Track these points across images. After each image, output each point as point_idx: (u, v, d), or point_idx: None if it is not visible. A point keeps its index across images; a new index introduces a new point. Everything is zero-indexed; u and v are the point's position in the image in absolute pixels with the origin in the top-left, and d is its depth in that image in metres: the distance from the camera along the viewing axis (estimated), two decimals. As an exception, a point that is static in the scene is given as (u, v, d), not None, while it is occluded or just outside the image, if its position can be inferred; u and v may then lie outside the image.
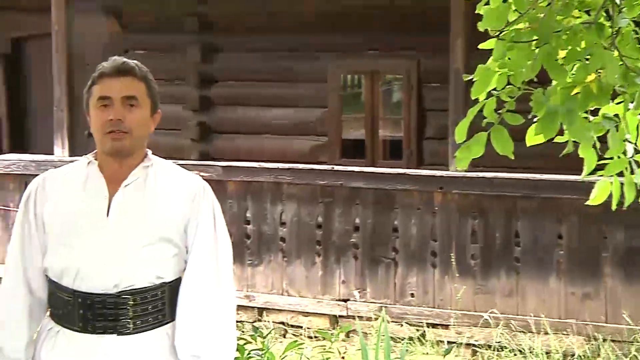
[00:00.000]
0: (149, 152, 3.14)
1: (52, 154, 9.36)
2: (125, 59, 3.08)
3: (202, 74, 10.99)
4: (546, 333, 7.73)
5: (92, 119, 3.06)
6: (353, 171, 8.49)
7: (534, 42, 2.90)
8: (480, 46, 3.22)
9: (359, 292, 8.35)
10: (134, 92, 3.04)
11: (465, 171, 8.01)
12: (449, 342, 7.92)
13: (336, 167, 8.73)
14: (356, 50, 10.37)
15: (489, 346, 7.89)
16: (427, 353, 7.88)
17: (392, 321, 8.09)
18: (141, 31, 11.18)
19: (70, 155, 9.05)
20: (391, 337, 7.79)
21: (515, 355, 7.76)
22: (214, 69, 11.01)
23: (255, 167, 8.69)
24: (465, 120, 3.12)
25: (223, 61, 10.98)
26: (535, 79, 3.04)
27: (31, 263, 3.10)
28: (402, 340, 7.88)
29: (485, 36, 3.24)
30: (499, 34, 2.94)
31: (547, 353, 7.69)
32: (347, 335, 8.09)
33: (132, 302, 3.00)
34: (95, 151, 3.13)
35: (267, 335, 4.40)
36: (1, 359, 3.09)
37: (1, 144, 11.95)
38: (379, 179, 8.32)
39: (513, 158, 3.17)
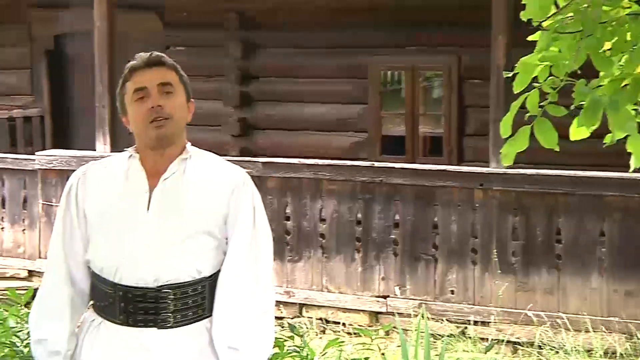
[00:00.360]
0: (188, 144, 3.14)
1: (94, 150, 9.43)
2: (156, 52, 3.10)
3: (243, 70, 11.02)
4: (587, 331, 7.66)
5: (132, 114, 3.06)
6: (393, 168, 8.47)
7: (579, 33, 2.85)
8: (529, 39, 3.17)
9: (399, 288, 8.32)
10: (168, 79, 3.05)
11: (506, 168, 7.96)
12: (489, 340, 7.87)
13: (376, 164, 8.71)
14: (397, 47, 10.33)
15: (530, 344, 7.83)
16: (468, 350, 7.83)
17: (432, 318, 8.05)
18: (182, 28, 11.23)
19: (111, 151, 9.11)
20: (431, 334, 7.75)
21: (556, 353, 7.70)
22: (254, 65, 11.03)
23: (295, 164, 8.68)
24: (509, 114, 3.09)
25: (263, 57, 10.99)
26: (578, 71, 3.01)
27: (73, 256, 3.11)
28: (442, 337, 7.84)
29: (527, 32, 3.21)
30: (542, 24, 2.90)
31: (588, 351, 7.61)
32: (387, 332, 8.06)
33: (172, 296, 3.00)
34: (135, 146, 3.13)
35: (305, 333, 4.39)
36: (44, 350, 3.11)
37: (44, 139, 12.06)
38: (419, 175, 8.28)
39: (558, 150, 3.13)
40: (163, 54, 3.09)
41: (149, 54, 3.08)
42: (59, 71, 12.19)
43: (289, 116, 10.90)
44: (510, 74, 3.15)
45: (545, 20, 2.93)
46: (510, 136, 3.12)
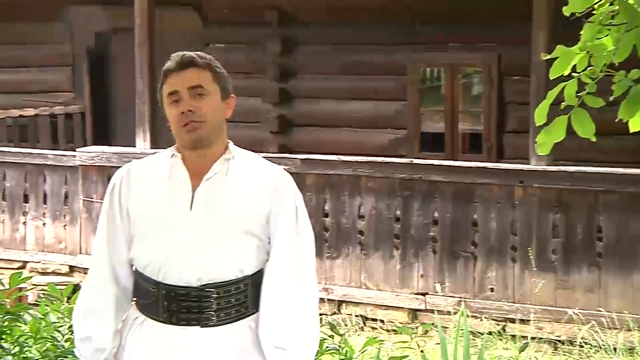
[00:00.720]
0: (231, 143, 3.14)
1: (134, 147, 9.49)
2: (187, 52, 3.09)
3: (282, 66, 11.03)
4: (629, 329, 7.59)
5: (168, 115, 3.09)
6: (432, 164, 8.44)
7: (623, 25, 2.82)
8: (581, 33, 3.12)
9: (438, 285, 8.29)
10: (198, 81, 3.04)
11: (546, 165, 7.91)
12: (528, 338, 7.82)
13: (415, 161, 8.69)
14: (436, 43, 10.29)
15: (571, 342, 7.77)
16: (507, 348, 7.79)
17: (471, 315, 8.02)
18: (221, 25, 11.26)
19: (151, 148, 9.16)
20: (470, 332, 7.71)
21: (597, 351, 7.63)
22: (294, 62, 11.04)
23: (334, 160, 8.68)
24: (545, 102, 3.05)
25: (302, 54, 10.99)
26: (616, 64, 2.97)
27: (117, 254, 3.13)
28: (481, 334, 7.80)
29: (568, 28, 3.17)
30: (584, 17, 2.87)
31: (630, 350, 7.54)
32: (426, 330, 8.04)
33: (215, 295, 3.01)
34: (176, 145, 3.14)
35: (345, 332, 4.38)
36: (89, 347, 3.13)
37: (85, 136, 12.15)
38: (459, 172, 8.25)
39: (594, 140, 3.09)
40: (197, 54, 3.09)
41: (181, 55, 3.07)
42: (99, 68, 12.28)
43: (328, 113, 10.89)
44: (549, 57, 3.10)
45: (584, 12, 2.89)
46: (545, 125, 3.08)
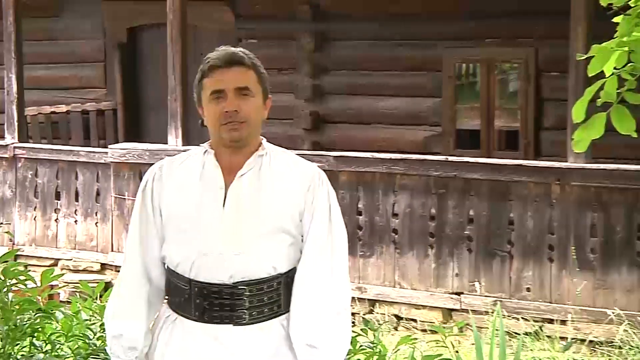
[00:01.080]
0: (264, 140, 3.16)
1: (166, 143, 9.53)
2: (233, 49, 3.09)
3: (315, 62, 11.03)
4: (669, 331, 7.52)
5: (207, 112, 3.08)
6: (468, 162, 8.41)
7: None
8: (615, 20, 3.10)
9: (473, 284, 8.27)
10: (246, 82, 3.05)
11: (584, 162, 7.86)
12: (566, 338, 7.78)
13: (450, 158, 8.67)
14: (472, 38, 10.25)
15: (609, 343, 7.71)
16: (544, 349, 7.75)
17: (507, 316, 7.98)
18: (254, 20, 11.28)
19: (183, 145, 9.20)
20: (506, 332, 7.69)
21: (636, 353, 7.57)
22: (327, 58, 11.04)
23: (368, 158, 8.67)
24: (584, 98, 3.03)
25: (336, 50, 10.99)
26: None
27: (149, 252, 3.15)
28: (518, 335, 7.77)
29: (608, 23, 3.15)
30: (622, 9, 2.84)
31: (670, 352, 7.48)
32: (461, 330, 8.02)
33: (248, 293, 3.02)
34: (209, 141, 3.15)
35: (379, 328, 4.39)
36: (121, 345, 3.15)
37: (117, 133, 12.22)
38: (495, 170, 8.22)
39: (635, 136, 3.07)
40: (243, 52, 3.09)
41: (229, 52, 3.07)
42: (131, 64, 12.35)
43: (362, 109, 10.89)
44: (584, 57, 3.09)
45: (623, 5, 2.87)
46: (583, 122, 3.06)
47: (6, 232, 4.10)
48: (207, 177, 3.09)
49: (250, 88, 3.06)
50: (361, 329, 4.42)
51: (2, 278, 4.14)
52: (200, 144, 3.18)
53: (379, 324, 8.34)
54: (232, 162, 3.08)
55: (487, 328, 7.83)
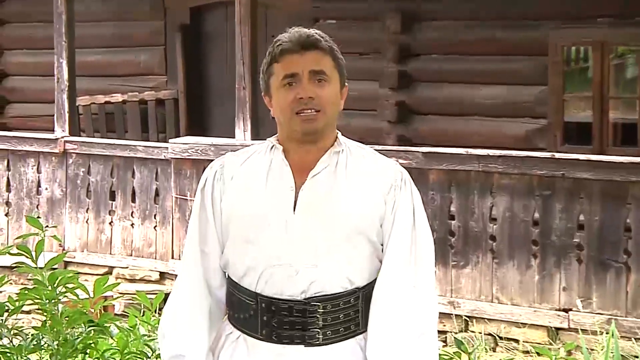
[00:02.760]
0: (339, 134, 3.14)
1: (233, 137, 9.60)
2: (307, 30, 3.08)
3: (402, 46, 11.02)
4: None
5: (277, 100, 3.07)
6: (577, 159, 8.34)
7: None
8: None
9: (582, 301, 8.20)
10: (322, 67, 3.04)
11: None
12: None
13: (557, 155, 8.61)
14: (583, 18, 10.15)
15: None
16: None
17: (623, 336, 7.90)
18: (333, -2, 11.31)
19: (252, 139, 9.26)
20: (622, 355, 7.60)
21: None
22: (415, 41, 11.02)
23: (462, 154, 8.65)
24: None
25: (426, 31, 10.97)
26: None
27: (210, 260, 3.14)
28: (635, 358, 7.68)
29: None
30: None
31: None
32: (569, 352, 7.95)
33: (322, 310, 3.00)
34: (277, 135, 3.14)
35: (474, 349, 4.37)
36: None
37: (178, 126, 12.32)
38: (609, 168, 8.14)
39: None
40: (319, 34, 3.08)
41: (303, 34, 3.07)
42: (195, 48, 12.44)
43: (455, 99, 10.84)
44: None
45: None
46: None
47: (53, 237, 4.14)
48: (275, 177, 3.07)
49: (327, 73, 3.05)
50: (454, 352, 4.41)
51: (50, 288, 4.21)
52: (267, 138, 3.17)
53: (474, 345, 8.31)
54: (303, 160, 3.07)
55: (600, 350, 7.76)
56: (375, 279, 3.08)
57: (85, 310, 4.31)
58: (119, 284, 4.76)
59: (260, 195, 3.06)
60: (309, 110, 3.01)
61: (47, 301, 4.18)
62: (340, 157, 3.08)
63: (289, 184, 3.05)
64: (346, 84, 3.14)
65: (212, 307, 3.16)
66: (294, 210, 3.03)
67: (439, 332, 8.64)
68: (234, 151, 3.27)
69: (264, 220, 3.04)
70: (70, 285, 4.25)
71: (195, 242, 3.16)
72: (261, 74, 3.13)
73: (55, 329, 4.18)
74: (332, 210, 3.03)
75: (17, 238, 4.24)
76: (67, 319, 4.23)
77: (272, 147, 3.11)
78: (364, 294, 3.06)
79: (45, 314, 4.23)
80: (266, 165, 3.09)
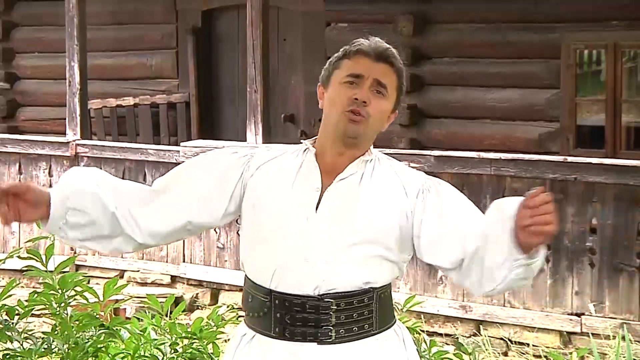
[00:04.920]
0: (372, 147, 3.20)
1: (245, 140, 9.60)
2: (386, 44, 3.16)
3: (414, 49, 11.01)
4: None
5: (333, 94, 3.12)
6: (590, 163, 8.34)
7: None
8: None
9: (594, 305, 8.19)
10: (386, 80, 3.12)
11: None
12: None
13: (569, 159, 8.60)
14: (596, 21, 10.14)
15: None
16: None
17: (636, 340, 7.88)
18: (345, 2, 11.31)
19: (264, 142, 9.25)
20: (634, 360, 7.59)
21: None
22: (428, 44, 11.01)
23: (474, 158, 8.64)
24: None
25: (438, 34, 10.96)
26: None
27: (203, 207, 3.15)
28: (648, 364, 7.67)
29: None
30: None
31: None
32: (582, 357, 7.93)
33: (335, 307, 3.03)
34: (315, 138, 3.19)
35: (473, 351, 4.37)
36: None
37: (189, 128, 12.34)
38: (622, 172, 8.13)
39: None
40: (395, 53, 3.16)
41: (382, 45, 3.14)
42: (207, 51, 12.45)
43: (467, 102, 10.84)
44: None
45: None
46: None
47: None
48: (303, 177, 3.11)
49: (388, 88, 3.13)
50: (454, 353, 4.40)
51: (60, 291, 4.21)
52: (302, 141, 3.21)
53: (486, 349, 8.30)
54: (334, 164, 3.12)
55: (612, 355, 7.74)
56: (390, 283, 3.12)
57: (95, 314, 4.31)
58: (126, 285, 4.76)
59: (286, 193, 3.10)
60: (358, 113, 3.07)
61: (57, 305, 4.18)
62: (368, 165, 3.15)
63: (316, 185, 3.10)
64: (397, 111, 3.21)
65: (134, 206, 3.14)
66: (317, 210, 3.07)
67: (448, 335, 8.65)
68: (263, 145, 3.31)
69: (286, 216, 3.07)
70: (79, 289, 4.25)
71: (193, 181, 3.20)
72: (327, 64, 3.19)
73: (64, 332, 4.18)
74: (353, 214, 3.07)
75: (27, 241, 4.24)
76: (77, 322, 4.23)
77: (305, 150, 3.17)
78: (379, 294, 3.08)
79: (54, 317, 4.23)
80: (296, 165, 3.14)
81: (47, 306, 4.21)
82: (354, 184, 3.10)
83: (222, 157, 3.22)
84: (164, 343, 4.39)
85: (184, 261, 9.77)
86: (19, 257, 4.21)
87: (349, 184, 3.09)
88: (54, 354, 4.26)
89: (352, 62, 3.12)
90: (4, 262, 4.51)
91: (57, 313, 4.18)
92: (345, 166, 3.11)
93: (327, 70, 3.17)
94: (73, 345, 4.19)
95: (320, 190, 3.09)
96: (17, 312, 4.30)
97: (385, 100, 3.12)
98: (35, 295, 4.23)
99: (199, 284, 9.88)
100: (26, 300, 4.26)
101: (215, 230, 9.38)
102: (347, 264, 3.04)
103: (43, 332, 4.29)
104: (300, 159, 3.15)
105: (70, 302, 4.21)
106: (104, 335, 4.31)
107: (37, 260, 4.17)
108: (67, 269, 4.39)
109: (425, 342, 4.31)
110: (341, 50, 3.16)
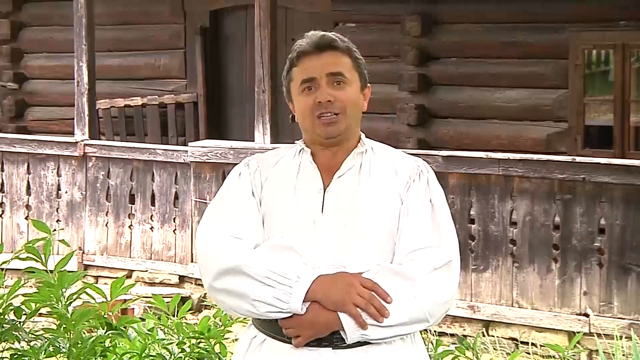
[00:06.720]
0: (363, 135, 3.15)
1: (253, 141, 9.59)
2: (323, 32, 3.10)
3: (422, 49, 11.00)
4: None
5: (297, 106, 3.09)
6: (598, 163, 8.31)
7: None
8: None
9: (603, 305, 8.17)
10: (339, 68, 3.06)
11: None
12: None
13: (578, 159, 8.58)
14: (604, 21, 10.12)
15: None
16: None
17: (644, 342, 7.85)
18: (353, 2, 11.30)
19: (272, 142, 9.24)
20: (642, 361, 7.55)
21: None
22: (435, 44, 11.00)
23: (481, 158, 8.63)
24: None
25: (445, 34, 10.95)
26: None
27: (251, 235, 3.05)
28: (656, 364, 7.63)
29: None
30: None
31: None
32: (591, 358, 7.91)
33: (347, 309, 2.99)
34: (302, 139, 3.16)
35: (474, 346, 4.34)
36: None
37: (197, 128, 12.35)
38: (630, 172, 8.11)
39: None
40: (336, 35, 3.10)
41: (318, 35, 3.09)
42: (215, 51, 12.45)
43: (475, 103, 10.82)
44: None
45: None
46: None
47: (61, 241, 4.13)
48: (305, 180, 3.09)
49: (345, 74, 3.06)
50: (457, 348, 4.38)
51: (60, 290, 4.18)
52: (295, 141, 3.19)
53: (495, 349, 8.29)
54: (329, 161, 3.09)
55: (620, 355, 7.71)
56: None
57: (104, 314, 4.29)
58: (134, 285, 4.74)
59: (291, 198, 3.07)
60: (329, 114, 3.03)
61: (56, 302, 4.16)
62: (364, 157, 3.10)
63: (318, 186, 3.08)
64: (368, 84, 3.14)
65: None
66: (322, 212, 3.04)
67: (458, 336, 8.62)
68: (259, 154, 3.28)
69: (295, 221, 3.05)
70: (80, 285, 4.23)
71: (226, 229, 3.06)
72: (283, 80, 3.16)
73: (67, 329, 4.16)
74: (357, 210, 3.04)
75: (27, 243, 4.22)
76: (79, 320, 4.20)
77: (300, 151, 3.14)
78: None
79: (56, 316, 4.21)
80: (295, 168, 3.12)
81: (47, 305, 4.19)
82: (353, 179, 3.07)
83: (235, 185, 3.15)
84: (171, 343, 4.38)
85: (192, 261, 9.76)
86: (18, 258, 4.19)
87: (348, 180, 3.07)
88: (62, 354, 4.24)
89: (299, 69, 3.07)
90: (8, 263, 4.49)
91: (60, 312, 4.16)
92: (342, 161, 3.08)
93: (285, 86, 3.14)
94: (76, 343, 4.17)
95: (323, 191, 3.07)
96: (24, 312, 4.29)
97: (348, 86, 3.06)
98: (33, 294, 4.21)
99: (207, 283, 9.86)
100: (23, 300, 4.24)
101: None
102: (358, 266, 2.99)
103: (44, 330, 4.28)
104: (298, 161, 3.12)
105: (72, 300, 4.19)
106: (112, 335, 4.29)
107: (36, 260, 4.15)
108: (72, 269, 4.38)
109: (432, 342, 4.30)
110: (287, 60, 3.11)
